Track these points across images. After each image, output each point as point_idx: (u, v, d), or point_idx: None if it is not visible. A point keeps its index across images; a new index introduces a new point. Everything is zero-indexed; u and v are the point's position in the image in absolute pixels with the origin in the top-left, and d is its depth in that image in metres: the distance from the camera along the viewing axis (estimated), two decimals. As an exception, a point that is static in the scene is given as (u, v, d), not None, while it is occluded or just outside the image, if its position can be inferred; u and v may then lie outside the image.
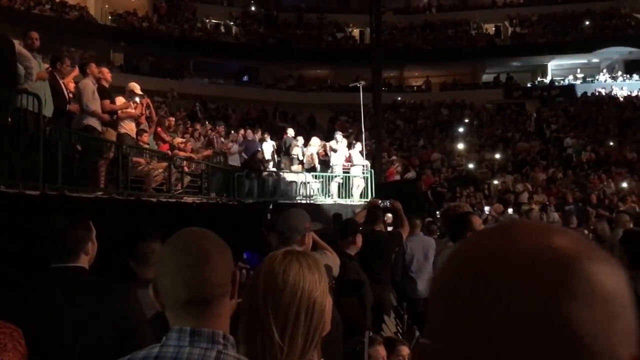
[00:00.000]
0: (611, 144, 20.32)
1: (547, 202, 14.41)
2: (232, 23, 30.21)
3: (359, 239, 4.32)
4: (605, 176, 17.08)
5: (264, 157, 13.37)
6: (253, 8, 32.39)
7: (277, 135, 16.56)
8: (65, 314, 2.06)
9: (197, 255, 1.22)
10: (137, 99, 8.86)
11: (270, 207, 10.73)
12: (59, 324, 2.04)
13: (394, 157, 19.14)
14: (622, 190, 15.22)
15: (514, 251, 0.49)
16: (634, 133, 21.13)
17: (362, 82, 23.34)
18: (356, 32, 31.22)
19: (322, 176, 13.74)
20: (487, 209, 14.11)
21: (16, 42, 5.87)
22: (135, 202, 7.30)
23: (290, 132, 15.59)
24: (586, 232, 9.16)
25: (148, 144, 9.01)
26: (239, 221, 9.39)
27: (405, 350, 3.16)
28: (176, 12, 29.31)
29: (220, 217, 9.10)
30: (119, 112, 7.97)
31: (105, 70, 7.96)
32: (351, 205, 12.66)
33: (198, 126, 13.50)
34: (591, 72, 29.10)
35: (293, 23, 31.38)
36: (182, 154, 9.75)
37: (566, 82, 28.52)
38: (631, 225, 7.50)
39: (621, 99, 25.09)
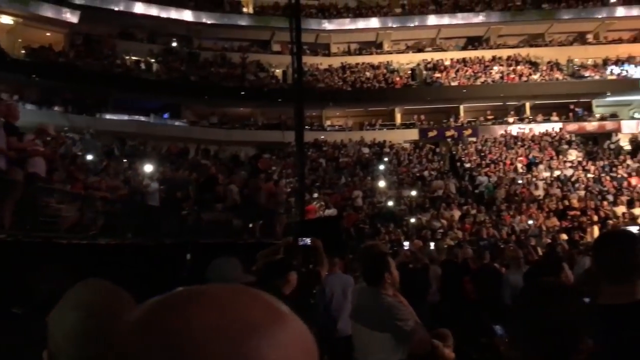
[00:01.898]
0: (520, 182, 21.55)
1: (461, 238, 15.03)
2: (153, 60, 29.86)
3: (293, 277, 4.30)
4: (515, 213, 18.08)
5: (184, 196, 13.14)
6: (175, 44, 32.23)
7: (200, 173, 16.33)
8: None
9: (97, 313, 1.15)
10: (48, 137, 8.56)
11: (189, 247, 10.52)
12: None
13: (315, 195, 19.38)
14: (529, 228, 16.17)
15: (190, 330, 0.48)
16: (540, 172, 22.56)
17: (285, 120, 23.74)
18: (279, 72, 31.71)
19: (244, 214, 13.64)
20: (406, 244, 14.49)
21: None
22: (44, 244, 6.95)
23: (213, 169, 15.47)
24: (498, 266, 9.59)
25: (60, 182, 8.67)
26: (156, 263, 9.11)
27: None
28: (94, 47, 28.65)
29: (137, 259, 8.80)
30: (29, 150, 7.64)
31: (12, 106, 7.66)
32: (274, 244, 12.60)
33: (113, 164, 13.10)
34: (500, 113, 30.97)
35: (216, 61, 31.46)
36: (96, 193, 9.43)
37: (477, 122, 30.12)
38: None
39: (527, 139, 26.79)
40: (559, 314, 1.32)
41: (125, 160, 17.22)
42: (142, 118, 27.58)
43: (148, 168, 14.36)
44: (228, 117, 30.47)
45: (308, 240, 6.16)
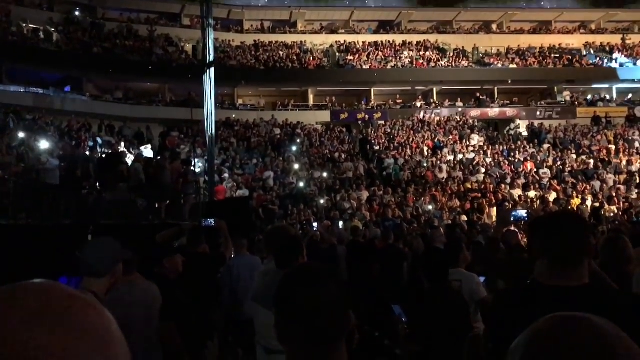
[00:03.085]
0: (425, 164, 22.36)
1: (368, 219, 15.41)
2: (52, 29, 27.99)
3: (176, 262, 4.19)
4: (420, 194, 18.76)
5: (84, 174, 12.50)
6: (77, 13, 30.39)
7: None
8: None
9: None
10: None
11: (91, 229, 10.07)
12: None
13: (225, 175, 19.12)
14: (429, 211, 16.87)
15: None
16: (444, 155, 23.52)
17: (196, 97, 23.09)
18: (188, 47, 30.77)
19: (150, 195, 13.20)
20: (315, 224, 14.67)
21: None
22: None
23: (116, 147, 14.85)
24: (402, 246, 9.94)
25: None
26: (54, 244, 8.64)
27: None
28: (-15, 12, 26.43)
29: (32, 242, 8.30)
30: None
31: None
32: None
33: (7, 139, 12.21)
34: (409, 98, 31.91)
35: (122, 33, 30.01)
36: (-15, 171, 8.76)
37: (387, 106, 30.85)
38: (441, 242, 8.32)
39: (434, 123, 27.83)
40: (316, 297, 1.33)
41: (20, 135, 16.10)
42: (41, 90, 25.80)
43: (46, 144, 13.52)
44: (134, 93, 29.24)
45: (212, 221, 6.09)
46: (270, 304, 3.04)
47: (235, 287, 6.72)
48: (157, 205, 13.12)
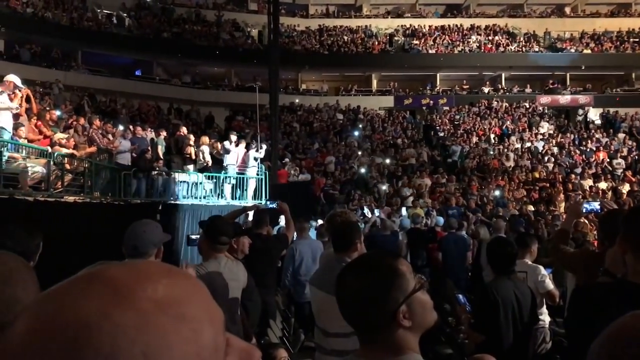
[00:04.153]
0: (491, 152, 21.79)
1: (431, 206, 15.21)
2: (125, 15, 28.96)
3: (243, 242, 4.28)
4: (485, 183, 18.33)
5: (155, 156, 12.94)
6: (148, 0, 31.32)
7: (170, 133, 16.08)
8: None
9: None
10: (16, 91, 8.30)
11: (160, 208, 10.44)
12: None
13: (286, 159, 19.31)
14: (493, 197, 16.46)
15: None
16: (512, 143, 22.83)
17: (259, 83, 23.40)
18: (254, 32, 31.13)
19: (215, 177, 13.56)
20: (377, 211, 14.63)
21: None
22: (9, 200, 6.81)
23: (184, 130, 15.27)
24: (466, 235, 9.77)
25: (26, 138, 8.46)
26: (124, 222, 9.02)
27: (282, 353, 3.22)
28: (64, -1, 27.62)
29: (104, 218, 8.70)
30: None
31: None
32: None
33: (82, 121, 12.78)
34: (476, 83, 31.08)
35: (190, 18, 30.69)
36: (63, 150, 9.22)
37: (453, 92, 30.20)
38: (503, 232, 8.12)
39: (501, 110, 27.04)
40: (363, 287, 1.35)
41: (93, 117, 16.80)
42: (113, 74, 26.83)
43: (118, 126, 14.07)
44: (201, 77, 29.92)
45: (274, 204, 6.19)
46: (326, 287, 3.09)
47: (297, 269, 6.83)
48: (222, 187, 13.46)
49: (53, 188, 8.20)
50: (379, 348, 1.33)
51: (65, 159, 8.94)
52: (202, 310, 0.49)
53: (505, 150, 21.88)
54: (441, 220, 11.55)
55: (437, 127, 25.39)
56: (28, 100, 9.07)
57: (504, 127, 24.65)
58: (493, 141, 23.37)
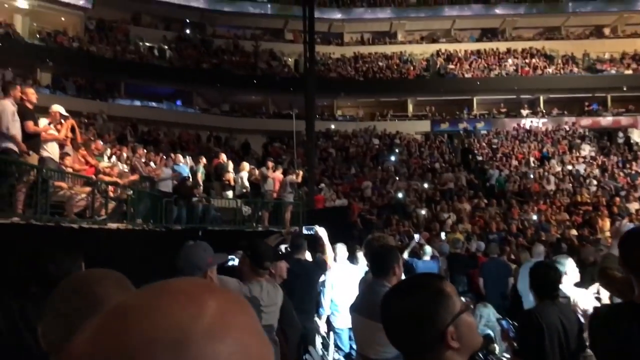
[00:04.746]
0: (531, 176, 21.40)
1: (470, 231, 14.99)
2: (166, 47, 29.89)
3: (281, 267, 4.31)
4: (526, 207, 17.98)
5: (195, 183, 13.18)
6: (188, 31, 32.25)
7: (210, 160, 16.38)
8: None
9: (91, 302, 1.14)
10: (62, 121, 8.61)
11: (200, 234, 10.58)
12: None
13: (323, 185, 19.37)
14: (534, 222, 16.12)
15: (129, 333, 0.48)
16: (552, 166, 22.40)
17: (296, 110, 23.71)
18: (291, 61, 31.65)
19: (253, 202, 13.70)
20: (416, 236, 14.48)
21: None
22: (55, 228, 7.03)
23: (223, 157, 15.52)
24: (506, 260, 9.58)
25: (71, 167, 8.75)
26: (165, 248, 9.18)
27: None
28: (108, 33, 28.71)
29: (146, 244, 8.88)
30: (42, 134, 7.71)
31: (29, 91, 7.67)
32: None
33: (125, 150, 13.15)
34: (514, 107, 30.74)
35: (228, 49, 31.44)
36: (107, 178, 9.49)
37: (491, 115, 29.93)
38: (543, 256, 7.94)
39: (541, 133, 26.63)
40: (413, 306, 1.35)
41: (136, 146, 17.28)
42: (154, 104, 27.66)
43: (160, 154, 14.41)
44: (239, 105, 30.49)
45: (312, 229, 6.19)
46: (366, 313, 3.08)
47: (335, 295, 6.79)
48: (260, 213, 13.58)
49: (97, 215, 8.43)
50: None
51: (109, 186, 9.19)
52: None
53: (546, 173, 21.48)
54: (482, 245, 11.35)
55: (475, 151, 25.14)
56: (73, 130, 9.40)
57: (544, 150, 24.23)
58: (533, 164, 22.98)
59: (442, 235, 14.25)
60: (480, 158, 24.28)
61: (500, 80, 30.17)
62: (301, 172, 15.85)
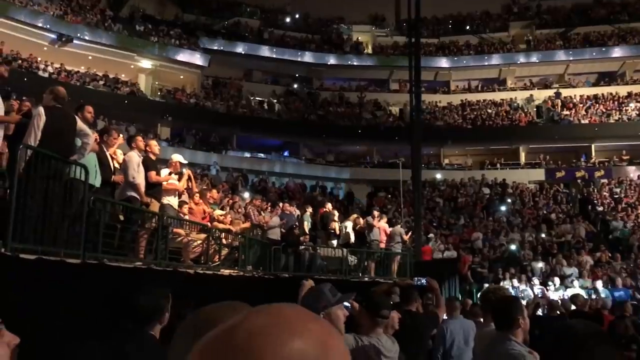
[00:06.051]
0: (661, 227, 19.61)
1: (592, 287, 13.87)
2: (275, 100, 31.22)
3: (393, 317, 4.14)
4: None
5: (301, 231, 13.35)
6: (296, 85, 33.53)
7: (316, 209, 16.57)
8: None
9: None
10: (184, 170, 9.12)
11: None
12: None
13: (431, 235, 18.85)
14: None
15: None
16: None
17: (402, 159, 23.57)
18: (395, 110, 31.77)
19: (359, 252, 13.58)
20: (537, 290, 13.68)
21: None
22: (173, 272, 7.32)
23: (329, 206, 15.63)
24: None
25: (187, 215, 9.16)
26: (273, 296, 9.26)
27: None
28: (222, 89, 30.54)
29: (256, 291, 9.01)
30: (164, 183, 8.18)
31: (153, 143, 8.22)
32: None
33: (237, 199, 13.65)
34: (638, 153, 28.56)
35: (334, 101, 32.22)
36: (220, 225, 9.84)
37: (611, 163, 28.02)
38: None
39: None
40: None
41: (248, 195, 17.93)
42: (263, 155, 28.78)
43: (269, 203, 14.82)
44: (344, 155, 30.90)
45: (424, 280, 5.97)
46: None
47: (448, 350, 6.44)
48: (366, 263, 13.42)
49: (211, 261, 8.70)
50: None
51: (223, 234, 9.51)
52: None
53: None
54: (609, 302, 10.40)
55: (595, 201, 23.49)
56: (189, 180, 9.92)
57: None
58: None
59: (565, 292, 13.28)
60: (600, 209, 22.63)
61: (620, 126, 28.28)
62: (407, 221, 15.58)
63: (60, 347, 2.35)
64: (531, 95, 31.84)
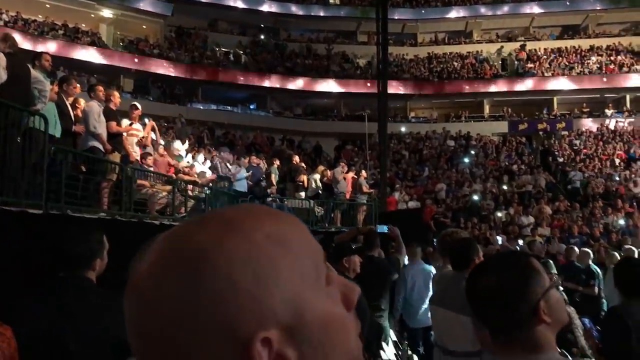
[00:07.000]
0: (617, 178, 20.28)
1: (550, 235, 14.38)
2: (241, 52, 30.65)
3: (354, 261, 4.28)
4: (610, 210, 17.03)
5: (269, 183, 13.44)
6: (262, 37, 32.92)
7: (283, 162, 16.61)
8: (73, 319, 2.11)
9: None
10: (146, 120, 9.02)
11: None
12: (66, 328, 2.08)
13: (397, 186, 19.15)
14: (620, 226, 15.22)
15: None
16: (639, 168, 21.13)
17: (368, 112, 23.63)
18: (363, 62, 31.60)
19: (326, 203, 13.76)
20: (499, 238, 14.12)
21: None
22: (138, 224, 7.33)
23: (297, 159, 15.69)
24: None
25: (152, 166, 9.11)
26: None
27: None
28: (187, 40, 29.80)
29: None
30: (125, 134, 8.10)
31: (115, 93, 8.09)
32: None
33: (203, 151, 13.58)
34: (597, 106, 29.24)
35: (302, 53, 31.82)
36: (186, 177, 9.82)
37: (572, 115, 28.64)
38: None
39: (627, 133, 25.19)
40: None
41: (213, 148, 17.81)
42: (229, 108, 28.43)
43: (235, 156, 14.80)
44: (312, 108, 30.77)
45: (386, 228, 6.13)
46: (448, 305, 3.00)
47: (409, 294, 6.71)
48: (332, 214, 13.62)
49: (177, 213, 8.73)
50: (518, 347, 1.30)
51: (188, 185, 9.51)
52: (304, 243, 0.56)
53: (633, 175, 20.26)
54: (563, 247, 10.87)
55: (556, 153, 24.10)
56: (154, 130, 9.83)
57: (630, 152, 22.90)
58: (618, 166, 21.75)
59: (519, 241, 13.77)
60: (561, 160, 23.26)
61: (582, 79, 28.80)
62: (364, 173, 15.77)
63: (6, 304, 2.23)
64: (502, 47, 32.00)
